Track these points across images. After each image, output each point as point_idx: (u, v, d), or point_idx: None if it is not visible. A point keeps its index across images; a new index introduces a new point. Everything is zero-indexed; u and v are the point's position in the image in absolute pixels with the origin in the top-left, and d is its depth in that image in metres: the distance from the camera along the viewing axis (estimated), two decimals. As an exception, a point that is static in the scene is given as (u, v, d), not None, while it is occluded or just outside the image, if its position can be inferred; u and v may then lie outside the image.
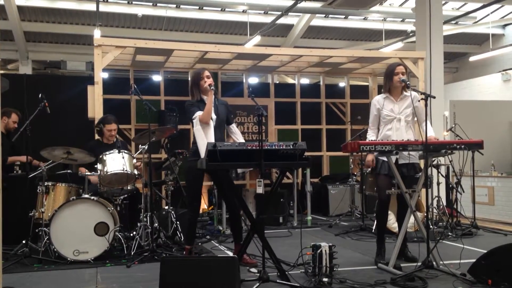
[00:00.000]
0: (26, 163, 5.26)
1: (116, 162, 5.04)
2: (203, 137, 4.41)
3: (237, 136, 4.80)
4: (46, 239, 4.72)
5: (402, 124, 4.59)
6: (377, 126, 4.70)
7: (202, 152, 4.26)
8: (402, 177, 4.45)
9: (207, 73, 4.64)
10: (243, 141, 4.77)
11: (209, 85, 4.53)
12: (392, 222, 5.71)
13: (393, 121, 4.59)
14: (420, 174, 4.68)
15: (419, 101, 4.53)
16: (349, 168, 7.91)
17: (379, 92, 9.34)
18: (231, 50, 7.45)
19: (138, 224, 5.17)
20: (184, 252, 4.72)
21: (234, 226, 4.75)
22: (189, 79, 4.84)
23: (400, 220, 4.69)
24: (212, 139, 4.37)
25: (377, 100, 4.68)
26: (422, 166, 4.64)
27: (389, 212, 5.52)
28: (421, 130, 4.59)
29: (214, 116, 4.57)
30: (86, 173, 5.04)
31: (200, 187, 4.68)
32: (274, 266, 3.94)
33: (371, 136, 4.66)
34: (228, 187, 4.55)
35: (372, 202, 7.05)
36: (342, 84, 9.80)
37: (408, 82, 4.49)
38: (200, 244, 5.61)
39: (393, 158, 4.40)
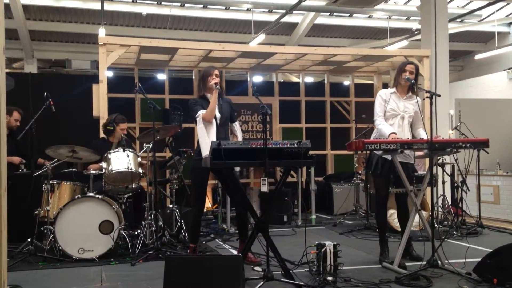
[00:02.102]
0: (29, 162, 5.27)
1: (121, 160, 5.05)
2: (205, 135, 4.43)
3: (237, 134, 4.83)
4: (51, 237, 4.74)
5: (405, 122, 4.58)
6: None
7: (204, 150, 4.28)
8: (395, 177, 4.44)
9: (216, 72, 4.66)
10: (241, 139, 4.79)
11: (215, 83, 4.54)
12: (396, 221, 5.68)
13: (396, 117, 4.57)
14: (415, 174, 4.67)
15: (423, 99, 4.55)
16: (353, 166, 7.90)
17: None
18: (235, 49, 7.45)
19: (143, 222, 5.18)
20: (189, 251, 4.73)
21: (240, 224, 4.75)
22: (199, 75, 4.85)
23: (401, 219, 4.68)
24: (214, 138, 4.37)
25: (384, 93, 4.65)
26: (427, 165, 4.62)
27: (393, 210, 5.52)
28: (415, 134, 4.63)
29: (218, 115, 4.57)
30: (91, 172, 5.06)
31: (205, 186, 4.69)
32: (279, 264, 3.94)
33: (383, 124, 4.51)
34: (234, 185, 4.55)
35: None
36: (346, 82, 9.78)
37: (412, 81, 4.47)
38: (204, 242, 5.62)
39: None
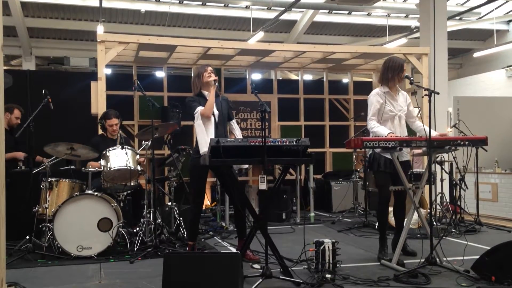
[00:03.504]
0: (28, 159, 5.27)
1: (119, 158, 5.05)
2: (204, 131, 4.43)
3: (236, 132, 4.82)
4: (49, 234, 4.73)
5: (402, 122, 4.59)
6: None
7: (202, 147, 4.28)
8: (393, 174, 4.43)
9: (211, 68, 4.67)
10: (241, 137, 4.76)
11: (214, 80, 4.54)
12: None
13: (394, 118, 4.55)
14: (411, 171, 4.67)
15: (422, 96, 4.55)
16: (352, 164, 7.90)
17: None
18: (234, 46, 7.44)
19: (141, 220, 5.19)
20: (187, 248, 4.73)
21: (238, 222, 4.76)
22: (193, 74, 4.83)
23: (397, 216, 4.69)
24: (212, 135, 4.37)
25: (379, 95, 4.55)
26: (425, 162, 4.62)
27: (392, 208, 5.52)
28: (414, 128, 4.62)
29: (216, 112, 4.57)
30: (90, 169, 5.05)
31: (204, 183, 4.69)
32: (277, 262, 3.94)
33: (378, 127, 4.45)
34: (232, 183, 4.56)
35: (375, 198, 7.04)
36: (345, 80, 9.79)
37: (411, 78, 4.47)
38: (203, 240, 5.61)
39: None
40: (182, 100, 7.53)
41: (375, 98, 4.56)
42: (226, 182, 4.76)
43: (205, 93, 4.62)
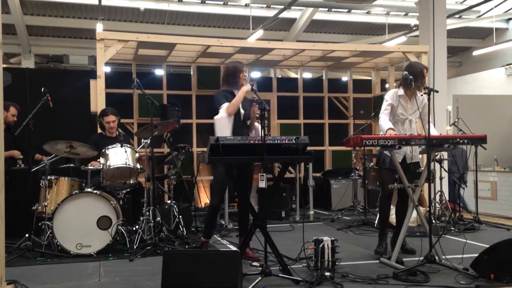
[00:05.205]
0: (27, 157, 5.26)
1: (118, 156, 5.05)
2: (222, 127, 4.43)
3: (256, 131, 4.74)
4: (49, 232, 4.73)
5: (413, 126, 4.61)
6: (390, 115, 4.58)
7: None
8: (405, 171, 4.44)
9: (245, 70, 4.66)
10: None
11: (252, 86, 4.30)
12: (394, 216, 5.69)
13: (405, 121, 4.59)
14: (421, 168, 4.68)
15: (421, 95, 4.55)
16: (351, 162, 7.90)
17: (382, 87, 9.32)
18: (233, 44, 7.44)
19: (141, 218, 5.19)
20: (203, 244, 4.67)
21: (241, 219, 4.76)
22: (227, 69, 4.70)
23: (399, 214, 4.70)
24: (228, 132, 4.38)
25: (393, 97, 4.57)
26: (425, 161, 4.63)
27: (392, 206, 5.53)
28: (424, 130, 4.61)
29: (242, 111, 4.59)
30: (89, 167, 5.05)
31: (226, 182, 4.63)
32: (276, 260, 3.95)
33: (383, 120, 4.47)
34: (246, 182, 4.57)
35: (374, 196, 7.06)
36: (345, 78, 9.77)
37: (410, 77, 4.45)
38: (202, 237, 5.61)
39: (401, 155, 4.42)
40: (181, 98, 7.58)
41: (388, 96, 4.61)
42: (241, 180, 4.67)
43: (235, 91, 4.59)
